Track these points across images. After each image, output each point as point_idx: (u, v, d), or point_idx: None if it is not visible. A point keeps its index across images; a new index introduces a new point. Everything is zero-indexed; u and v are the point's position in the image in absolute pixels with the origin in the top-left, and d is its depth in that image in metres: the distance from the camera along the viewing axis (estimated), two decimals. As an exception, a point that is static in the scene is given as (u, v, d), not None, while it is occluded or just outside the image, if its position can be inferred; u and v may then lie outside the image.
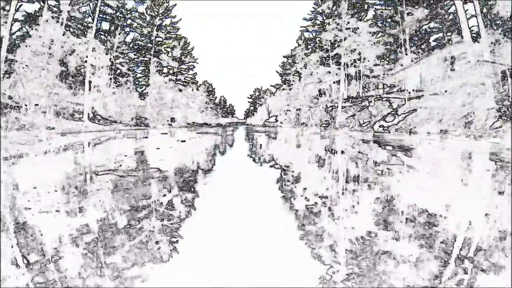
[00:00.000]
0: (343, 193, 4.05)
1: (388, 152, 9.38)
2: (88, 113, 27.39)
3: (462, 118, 13.43)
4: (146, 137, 18.14)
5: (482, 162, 7.41)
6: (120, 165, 6.48)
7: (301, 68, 49.40)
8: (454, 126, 13.09)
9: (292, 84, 49.83)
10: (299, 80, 49.34)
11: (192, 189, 4.35)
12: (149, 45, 38.20)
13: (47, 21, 23.39)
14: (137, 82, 38.34)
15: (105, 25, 34.15)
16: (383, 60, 37.02)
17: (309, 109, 34.81)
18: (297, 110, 40.82)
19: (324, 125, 27.27)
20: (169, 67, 41.72)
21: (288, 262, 2.03)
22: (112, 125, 26.25)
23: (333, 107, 27.14)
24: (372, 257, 2.05)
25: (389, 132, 20.37)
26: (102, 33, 34.10)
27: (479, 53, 12.50)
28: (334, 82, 37.79)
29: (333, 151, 10.36)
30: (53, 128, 17.40)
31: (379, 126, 20.76)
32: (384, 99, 23.40)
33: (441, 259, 2.01)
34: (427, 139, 15.18)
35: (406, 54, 25.28)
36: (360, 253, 2.11)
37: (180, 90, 47.95)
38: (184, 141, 14.61)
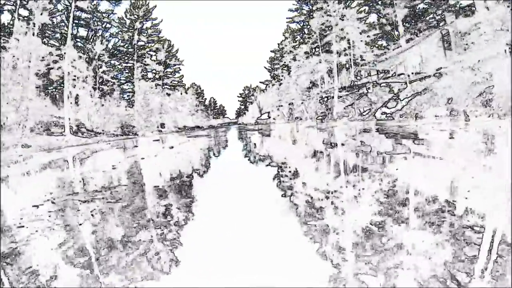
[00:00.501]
0: (345, 187, 3.72)
1: (394, 140, 8.38)
2: (71, 126, 25.59)
3: (479, 96, 12.01)
4: (136, 146, 16.53)
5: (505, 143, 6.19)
6: (86, 185, 4.91)
7: (289, 62, 47.90)
8: (474, 105, 11.66)
9: (281, 79, 48.34)
10: (288, 74, 47.85)
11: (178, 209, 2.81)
12: (131, 50, 36.31)
13: (22, 33, 21.55)
14: (122, 90, 36.47)
15: (83, 33, 32.21)
16: (372, 47, 35.78)
17: (302, 102, 33.32)
18: (289, 104, 39.33)
19: (320, 117, 25.84)
20: (154, 71, 39.87)
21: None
22: (97, 136, 24.45)
23: (329, 98, 25.66)
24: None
25: (393, 118, 18.96)
26: (80, 41, 32.17)
27: (501, 19, 11.07)
28: (325, 72, 36.37)
29: (332, 144, 9.38)
30: (29, 146, 15.65)
31: (382, 114, 19.37)
32: (382, 84, 21.99)
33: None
34: (435, 123, 13.82)
35: (401, 37, 23.89)
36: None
37: (168, 95, 46.11)
38: (172, 147, 13.03)
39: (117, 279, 1.85)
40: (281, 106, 41.03)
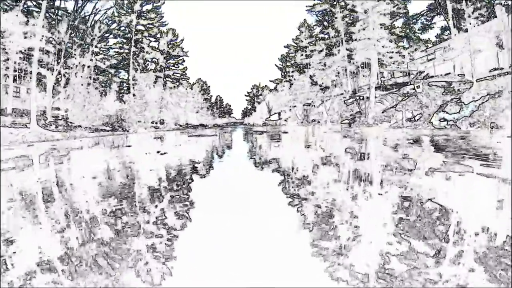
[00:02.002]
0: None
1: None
2: (44, 117, 20.62)
3: None
4: (129, 146, 11.57)
5: None
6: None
7: (305, 58, 42.65)
8: None
9: (293, 78, 43.10)
10: (301, 73, 42.63)
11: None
12: (129, 35, 31.26)
13: None
14: (111, 81, 31.43)
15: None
16: (398, 47, 30.68)
17: (321, 103, 28.11)
18: (304, 105, 34.19)
19: (348, 121, 20.65)
20: (154, 59, 34.72)
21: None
22: (73, 131, 19.40)
23: (361, 98, 20.38)
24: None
25: (459, 127, 13.73)
26: (68, 15, 27.21)
27: None
28: (346, 71, 31.19)
29: (360, 155, 6.62)
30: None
31: (441, 120, 14.18)
32: (434, 84, 16.73)
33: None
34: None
35: (459, 27, 18.59)
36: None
37: (171, 88, 41.02)
38: (165, 153, 8.06)
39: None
40: (295, 106, 35.76)
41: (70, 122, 20.11)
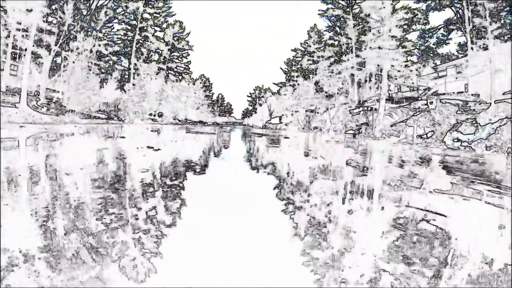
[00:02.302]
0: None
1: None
2: (37, 98, 19.54)
3: None
4: (123, 137, 10.68)
5: None
6: None
7: (312, 63, 41.77)
8: None
9: (296, 81, 42.19)
10: (306, 78, 41.75)
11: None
12: (134, 22, 30.22)
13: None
14: (119, 68, 30.36)
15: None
16: (407, 61, 29.90)
17: (325, 111, 27.20)
18: (307, 111, 33.27)
19: (353, 131, 19.73)
20: (158, 50, 33.67)
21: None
22: (65, 116, 18.33)
23: (368, 109, 19.47)
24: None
25: (474, 150, 12.83)
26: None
27: None
28: (352, 79, 30.37)
29: (362, 168, 5.80)
30: None
31: (454, 140, 13.29)
32: (447, 101, 15.85)
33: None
34: None
35: (475, 42, 17.74)
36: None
37: (173, 81, 39.99)
38: (159, 149, 7.16)
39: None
40: (297, 111, 34.83)
41: (63, 106, 19.05)
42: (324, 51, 36.52)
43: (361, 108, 21.93)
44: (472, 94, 19.19)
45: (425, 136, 13.96)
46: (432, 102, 15.32)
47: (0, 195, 2.87)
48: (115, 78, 25.91)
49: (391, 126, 16.56)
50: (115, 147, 7.37)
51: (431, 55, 26.52)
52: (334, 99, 27.03)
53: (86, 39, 29.05)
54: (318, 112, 29.62)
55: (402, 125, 15.98)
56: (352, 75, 27.39)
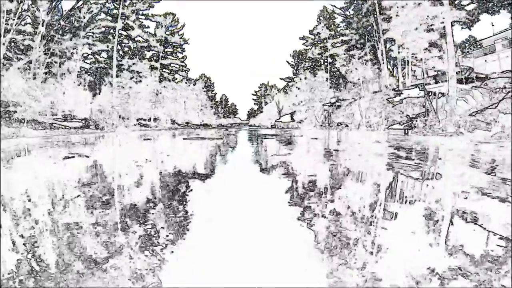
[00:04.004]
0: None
1: None
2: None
3: None
4: (87, 157, 5.59)
5: None
6: None
7: (323, 51, 36.32)
8: None
9: (311, 71, 36.69)
10: (316, 69, 36.27)
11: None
12: (115, 11, 25.02)
13: None
14: (98, 67, 25.22)
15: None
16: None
17: (351, 102, 21.75)
18: (324, 105, 27.82)
19: (404, 126, 14.19)
20: (140, 38, 28.34)
21: None
22: (11, 126, 13.17)
23: (429, 94, 13.66)
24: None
25: None
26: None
27: None
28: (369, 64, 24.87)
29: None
30: None
31: None
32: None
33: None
34: None
35: None
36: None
37: (169, 80, 34.79)
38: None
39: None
40: (313, 106, 29.37)
41: (11, 113, 13.92)
42: (341, 35, 31.11)
43: (404, 95, 16.43)
44: None
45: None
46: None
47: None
48: (90, 79, 20.75)
49: (472, 115, 11.04)
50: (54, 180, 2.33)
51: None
52: (360, 88, 21.64)
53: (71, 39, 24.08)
54: (339, 106, 24.15)
55: (491, 113, 10.46)
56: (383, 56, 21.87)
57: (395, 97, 17.36)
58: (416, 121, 13.91)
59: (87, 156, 6.45)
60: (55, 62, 23.85)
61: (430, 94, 13.77)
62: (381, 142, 10.22)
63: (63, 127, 15.93)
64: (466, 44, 26.58)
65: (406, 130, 14.11)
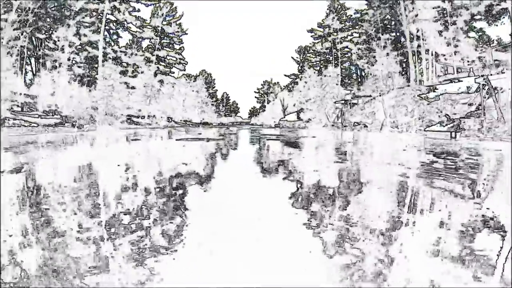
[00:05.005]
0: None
1: None
2: None
3: None
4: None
5: None
6: None
7: (334, 45, 33.30)
8: None
9: (323, 66, 33.64)
10: (326, 65, 33.21)
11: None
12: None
13: None
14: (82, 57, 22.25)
15: None
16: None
17: (372, 99, 18.73)
18: (336, 102, 24.77)
19: (450, 127, 11.16)
20: (127, 24, 25.30)
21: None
22: None
23: (485, 88, 10.62)
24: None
25: None
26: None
27: None
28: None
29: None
30: None
31: None
32: None
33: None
34: None
35: None
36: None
37: (166, 74, 31.76)
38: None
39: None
40: (323, 104, 26.29)
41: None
42: (354, 27, 28.06)
43: (440, 91, 13.38)
44: None
45: None
46: None
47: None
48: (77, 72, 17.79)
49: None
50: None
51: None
52: (384, 82, 18.63)
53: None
54: (356, 103, 21.11)
55: None
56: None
57: (428, 92, 14.31)
58: (458, 122, 10.87)
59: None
60: (46, 55, 20.87)
61: (483, 88, 10.68)
62: (420, 149, 7.39)
63: (27, 125, 12.95)
64: None
65: (452, 133, 11.06)
